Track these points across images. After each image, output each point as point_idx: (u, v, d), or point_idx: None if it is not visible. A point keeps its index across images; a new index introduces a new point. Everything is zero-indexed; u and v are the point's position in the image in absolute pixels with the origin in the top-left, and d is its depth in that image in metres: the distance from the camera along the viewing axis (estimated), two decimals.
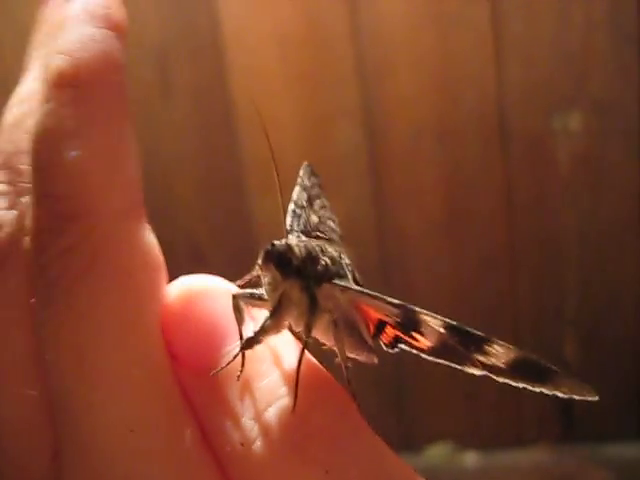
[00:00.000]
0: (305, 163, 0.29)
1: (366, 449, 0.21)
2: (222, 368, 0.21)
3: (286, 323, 0.23)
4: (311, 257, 0.23)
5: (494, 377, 0.23)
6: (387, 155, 0.75)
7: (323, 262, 0.23)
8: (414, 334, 0.23)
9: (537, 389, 0.22)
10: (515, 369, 0.22)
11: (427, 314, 0.22)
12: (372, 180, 0.76)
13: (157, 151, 0.77)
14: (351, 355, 0.24)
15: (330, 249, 0.24)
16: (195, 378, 0.21)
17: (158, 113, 0.76)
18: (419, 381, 0.79)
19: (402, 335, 0.24)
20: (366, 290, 0.23)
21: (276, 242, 0.23)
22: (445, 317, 0.22)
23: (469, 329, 0.22)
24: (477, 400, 0.79)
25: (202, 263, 0.76)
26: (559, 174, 0.76)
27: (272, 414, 0.21)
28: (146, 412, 0.20)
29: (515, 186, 0.76)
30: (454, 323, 0.22)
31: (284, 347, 0.23)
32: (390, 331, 0.24)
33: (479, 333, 0.22)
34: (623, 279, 0.78)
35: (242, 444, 0.20)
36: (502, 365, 0.22)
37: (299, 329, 0.23)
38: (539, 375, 0.22)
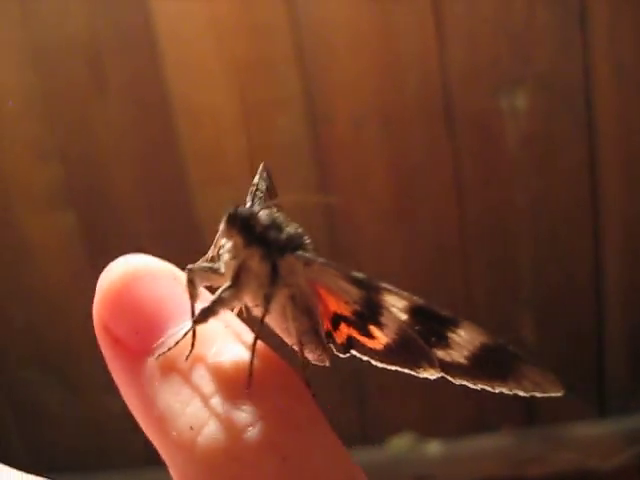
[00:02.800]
0: (263, 163, 0.28)
1: (325, 439, 0.20)
2: (170, 348, 0.20)
3: (244, 296, 0.22)
4: (275, 225, 0.22)
5: (451, 378, 0.22)
6: (331, 142, 0.74)
7: (287, 232, 0.22)
8: (371, 328, 0.23)
9: (497, 389, 0.22)
10: (477, 363, 0.21)
11: (392, 290, 0.22)
12: (317, 169, 0.74)
13: (95, 150, 0.75)
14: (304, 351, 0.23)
15: (294, 224, 0.23)
16: (139, 362, 0.20)
17: (94, 110, 0.73)
18: (378, 373, 0.77)
19: (356, 334, 0.23)
20: (331, 262, 0.22)
21: (240, 207, 0.22)
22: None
23: (437, 309, 0.21)
24: (437, 388, 0.77)
25: None
26: (507, 154, 0.74)
27: (224, 395, 0.19)
28: None
29: (463, 168, 0.74)
30: (421, 302, 0.21)
31: (236, 328, 0.22)
32: (344, 329, 0.23)
33: (448, 314, 0.21)
34: (577, 257, 0.77)
35: (191, 427, 0.19)
36: (463, 360, 0.21)
37: (256, 302, 0.22)
38: (502, 368, 0.21)
